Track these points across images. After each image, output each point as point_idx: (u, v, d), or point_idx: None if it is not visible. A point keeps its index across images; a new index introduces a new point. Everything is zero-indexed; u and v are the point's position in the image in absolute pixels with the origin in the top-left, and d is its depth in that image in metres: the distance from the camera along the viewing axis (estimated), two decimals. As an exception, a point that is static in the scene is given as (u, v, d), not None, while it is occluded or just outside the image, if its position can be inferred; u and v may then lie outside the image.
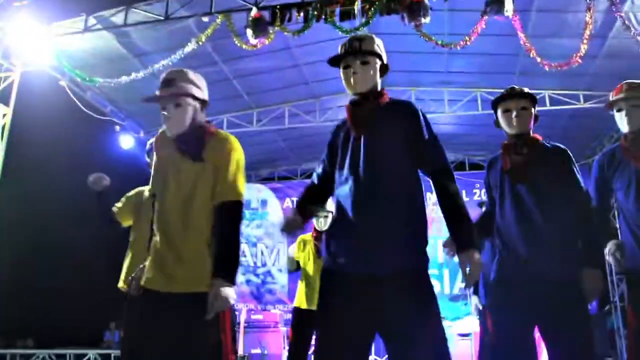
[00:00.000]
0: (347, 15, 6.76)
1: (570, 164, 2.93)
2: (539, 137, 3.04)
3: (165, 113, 2.45)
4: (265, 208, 13.37)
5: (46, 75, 8.57)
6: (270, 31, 6.91)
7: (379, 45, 2.54)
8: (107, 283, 14.86)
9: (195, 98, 2.53)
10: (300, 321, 5.14)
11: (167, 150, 2.56)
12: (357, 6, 6.65)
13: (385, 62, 2.56)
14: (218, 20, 7.17)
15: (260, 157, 12.49)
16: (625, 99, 3.02)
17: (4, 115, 7.97)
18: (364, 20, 6.71)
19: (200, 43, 7.24)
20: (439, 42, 6.98)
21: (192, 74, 2.57)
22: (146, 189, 3.97)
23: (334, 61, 2.55)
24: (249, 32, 6.91)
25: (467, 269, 2.30)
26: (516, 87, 3.10)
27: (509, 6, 6.41)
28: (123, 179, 13.25)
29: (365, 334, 2.33)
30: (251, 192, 13.02)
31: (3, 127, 7.92)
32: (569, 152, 2.99)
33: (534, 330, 2.82)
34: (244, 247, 13.22)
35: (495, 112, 3.10)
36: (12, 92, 8.09)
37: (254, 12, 6.91)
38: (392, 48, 8.94)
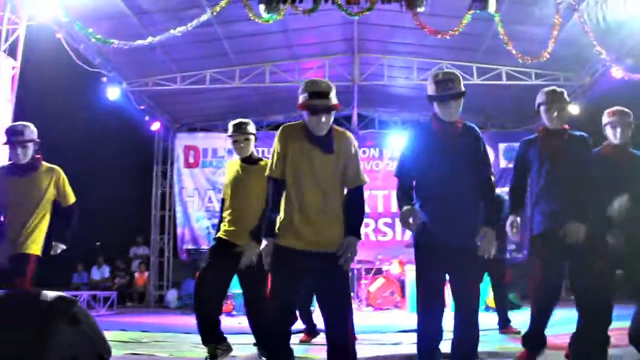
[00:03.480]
0: (352, -1, 7.54)
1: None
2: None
3: (323, 119, 3.22)
4: (232, 157, 14.12)
5: (44, 29, 8.82)
6: (282, 8, 7.58)
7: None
8: (133, 203, 15.21)
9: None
10: None
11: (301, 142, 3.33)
12: (362, -8, 7.44)
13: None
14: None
15: (231, 109, 13.12)
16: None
17: (13, 67, 8.28)
18: (367, 5, 7.51)
19: (214, 13, 7.82)
20: (431, 31, 7.84)
21: (333, 89, 3.33)
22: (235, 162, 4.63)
23: None
24: (261, 7, 7.54)
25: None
26: (557, 89, 4.11)
27: (492, 3, 7.40)
28: (109, 129, 13.64)
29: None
30: (219, 141, 13.77)
31: (12, 80, 8.24)
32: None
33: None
34: (210, 193, 14.03)
35: (539, 107, 4.09)
36: (19, 45, 8.35)
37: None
38: (372, 20, 9.98)
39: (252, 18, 7.81)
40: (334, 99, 3.25)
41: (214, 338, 4.33)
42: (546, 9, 8.55)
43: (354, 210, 3.31)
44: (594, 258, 3.70)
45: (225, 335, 4.45)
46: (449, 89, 3.39)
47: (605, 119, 4.41)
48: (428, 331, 3.39)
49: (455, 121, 3.46)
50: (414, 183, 3.50)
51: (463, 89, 3.43)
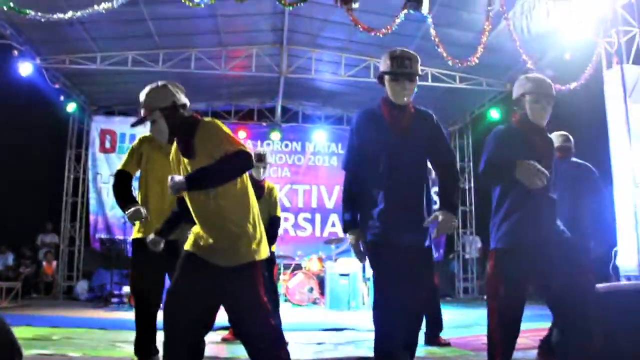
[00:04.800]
0: (287, -12, 7.40)
1: None
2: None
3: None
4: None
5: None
6: (215, -8, 7.33)
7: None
8: (42, 188, 14.27)
9: None
10: None
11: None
12: (297, -17, 7.32)
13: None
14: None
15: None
16: None
17: None
18: (302, -4, 7.39)
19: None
20: (365, 27, 7.83)
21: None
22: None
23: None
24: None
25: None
26: (546, 78, 3.40)
27: (426, 5, 7.49)
28: (22, 106, 12.80)
29: None
30: (138, 127, 13.21)
31: None
32: None
33: None
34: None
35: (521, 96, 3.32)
36: None
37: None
38: (303, 13, 9.87)
39: (183, 0, 7.49)
40: None
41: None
42: (474, 13, 8.76)
43: None
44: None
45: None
46: (405, 66, 3.09)
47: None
48: (389, 332, 2.99)
49: (407, 105, 3.14)
50: (364, 176, 3.13)
51: (420, 72, 3.17)
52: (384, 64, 3.15)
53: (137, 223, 4.10)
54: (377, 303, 3.04)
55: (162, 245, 3.43)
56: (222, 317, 3.03)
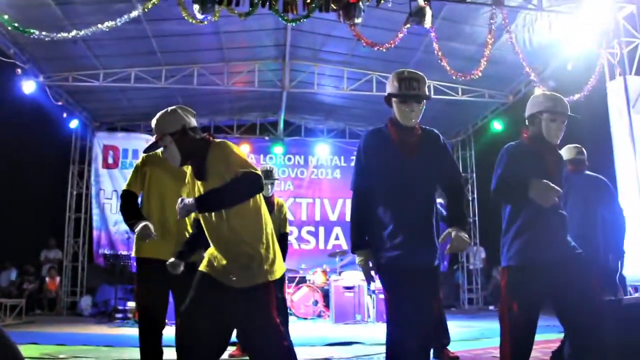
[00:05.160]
0: (289, 6, 7.44)
1: None
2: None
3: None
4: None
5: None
6: (217, 9, 7.36)
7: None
8: (45, 204, 14.25)
9: None
10: None
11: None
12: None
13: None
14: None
15: (154, 109, 12.56)
16: None
17: None
18: (305, 12, 7.43)
19: (146, 10, 7.50)
20: (368, 42, 7.87)
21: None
22: None
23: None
24: (196, 7, 7.30)
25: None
26: (561, 97, 3.38)
27: (428, 19, 7.52)
28: (25, 124, 12.86)
29: None
30: (140, 142, 13.26)
31: None
32: None
33: None
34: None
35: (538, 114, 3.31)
36: None
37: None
38: (305, 28, 9.93)
39: (185, 18, 7.53)
40: None
41: None
42: (476, 26, 8.80)
43: None
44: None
45: None
46: (413, 88, 3.06)
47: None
48: (403, 350, 2.97)
49: (415, 127, 3.14)
50: (372, 197, 3.10)
51: (428, 93, 3.17)
52: (391, 86, 3.13)
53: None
54: (391, 322, 3.02)
55: (181, 267, 3.42)
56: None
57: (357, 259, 3.10)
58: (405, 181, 3.05)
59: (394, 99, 3.12)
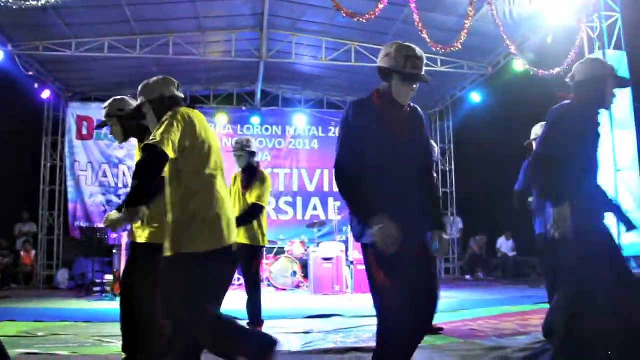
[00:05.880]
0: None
1: None
2: None
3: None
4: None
5: None
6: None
7: None
8: (17, 177, 13.88)
9: None
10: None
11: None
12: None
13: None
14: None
15: (129, 79, 12.32)
16: None
17: None
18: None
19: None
20: (348, 13, 7.74)
21: None
22: None
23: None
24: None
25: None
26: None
27: (408, -11, 7.41)
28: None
29: None
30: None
31: None
32: None
33: None
34: (105, 167, 13.32)
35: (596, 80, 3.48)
36: None
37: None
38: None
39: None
40: None
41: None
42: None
43: None
44: None
45: None
46: (418, 68, 2.86)
47: None
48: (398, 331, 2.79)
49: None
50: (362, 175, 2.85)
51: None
52: (392, 60, 2.87)
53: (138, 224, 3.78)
54: (385, 305, 2.82)
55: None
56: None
57: (376, 228, 2.70)
58: (398, 160, 2.87)
59: (395, 75, 2.88)
